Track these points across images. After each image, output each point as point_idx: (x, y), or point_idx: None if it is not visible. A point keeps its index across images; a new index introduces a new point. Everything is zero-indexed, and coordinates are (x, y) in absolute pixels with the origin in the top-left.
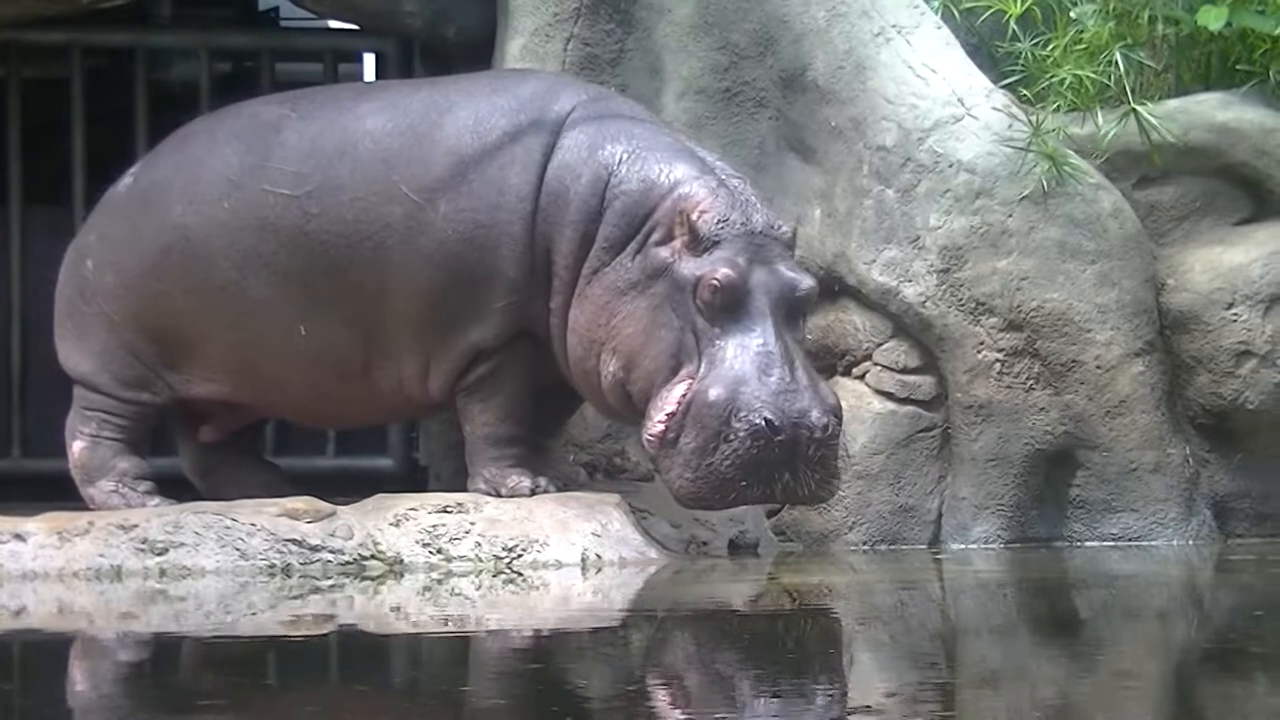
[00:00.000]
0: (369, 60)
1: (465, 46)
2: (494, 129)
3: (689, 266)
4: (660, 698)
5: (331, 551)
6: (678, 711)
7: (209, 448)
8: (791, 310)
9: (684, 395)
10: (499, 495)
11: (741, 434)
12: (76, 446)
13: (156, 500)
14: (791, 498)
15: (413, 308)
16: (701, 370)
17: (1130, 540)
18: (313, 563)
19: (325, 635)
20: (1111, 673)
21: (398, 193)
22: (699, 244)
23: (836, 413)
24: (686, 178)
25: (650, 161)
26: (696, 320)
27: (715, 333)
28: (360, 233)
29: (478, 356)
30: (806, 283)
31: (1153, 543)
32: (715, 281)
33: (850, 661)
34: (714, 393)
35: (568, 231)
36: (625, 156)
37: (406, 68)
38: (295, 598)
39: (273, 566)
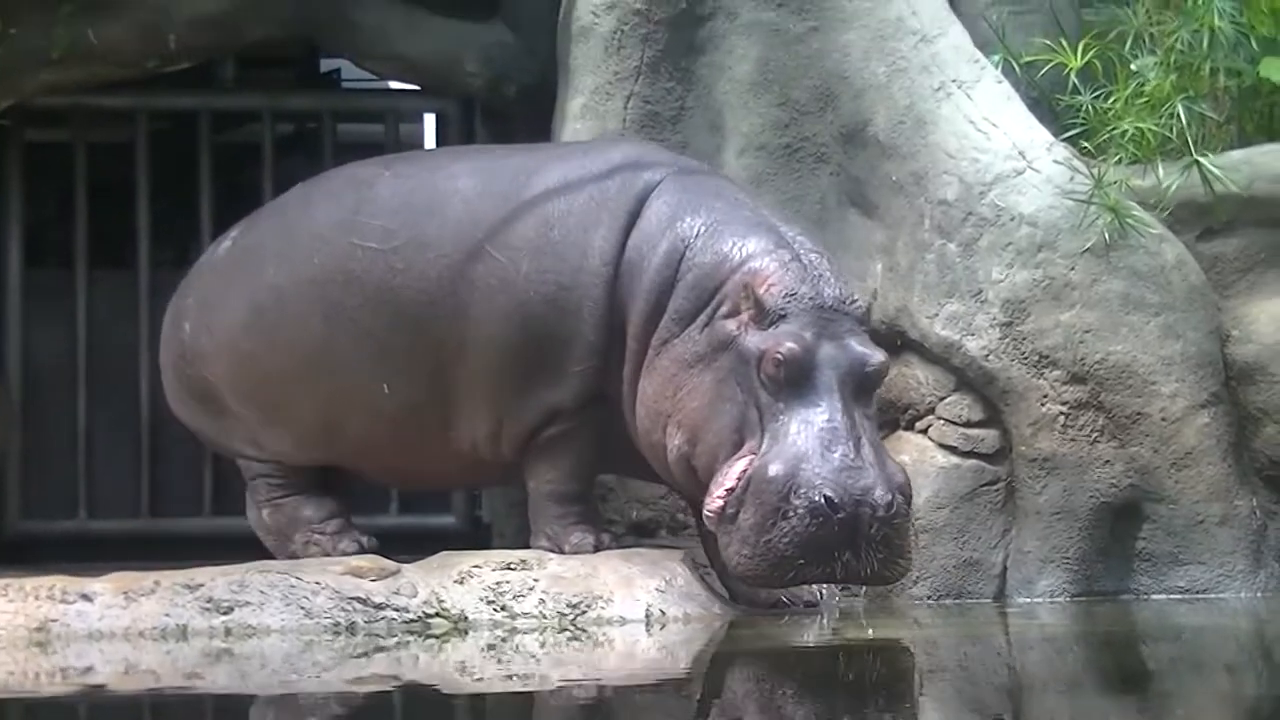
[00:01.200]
0: (429, 120)
1: (526, 105)
2: (581, 192)
3: (754, 340)
4: None
5: (396, 609)
6: None
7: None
8: (860, 386)
9: (744, 471)
10: (562, 552)
11: (800, 511)
12: (264, 515)
13: (347, 539)
14: (854, 577)
15: (491, 365)
16: (764, 446)
17: (1197, 593)
18: (377, 621)
19: (390, 693)
20: None
21: (482, 251)
22: (765, 317)
23: (904, 491)
24: (758, 252)
25: (725, 235)
26: (760, 394)
27: (779, 408)
28: (444, 289)
29: (554, 417)
30: (877, 358)
31: (1220, 595)
32: (779, 355)
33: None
34: (774, 469)
35: (640, 302)
36: (703, 229)
37: (467, 127)
38: (360, 656)
39: (338, 625)
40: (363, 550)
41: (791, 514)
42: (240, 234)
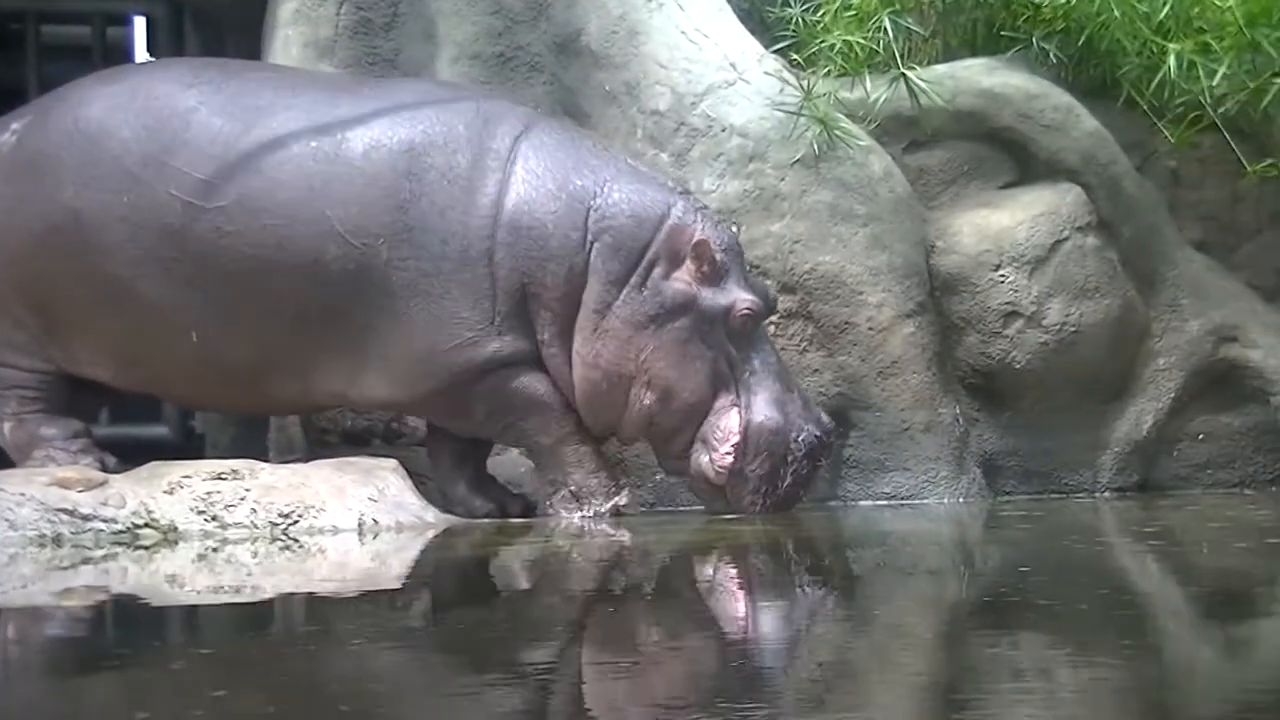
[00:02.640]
0: (139, 24)
1: (237, 9)
2: (431, 167)
3: (713, 297)
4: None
5: (104, 520)
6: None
7: None
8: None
9: (740, 425)
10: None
11: (801, 455)
12: (6, 429)
13: (89, 459)
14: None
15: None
16: (745, 398)
17: (903, 499)
18: (84, 532)
19: (97, 606)
20: (887, 627)
21: (331, 230)
22: (716, 275)
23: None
24: (679, 209)
25: (627, 192)
26: (728, 348)
27: (742, 358)
28: (283, 256)
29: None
30: (773, 293)
31: (924, 501)
32: (748, 310)
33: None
34: (769, 418)
35: (552, 266)
36: (597, 189)
37: (177, 32)
38: (67, 568)
39: (43, 537)
40: (105, 469)
41: (793, 459)
42: (25, 133)
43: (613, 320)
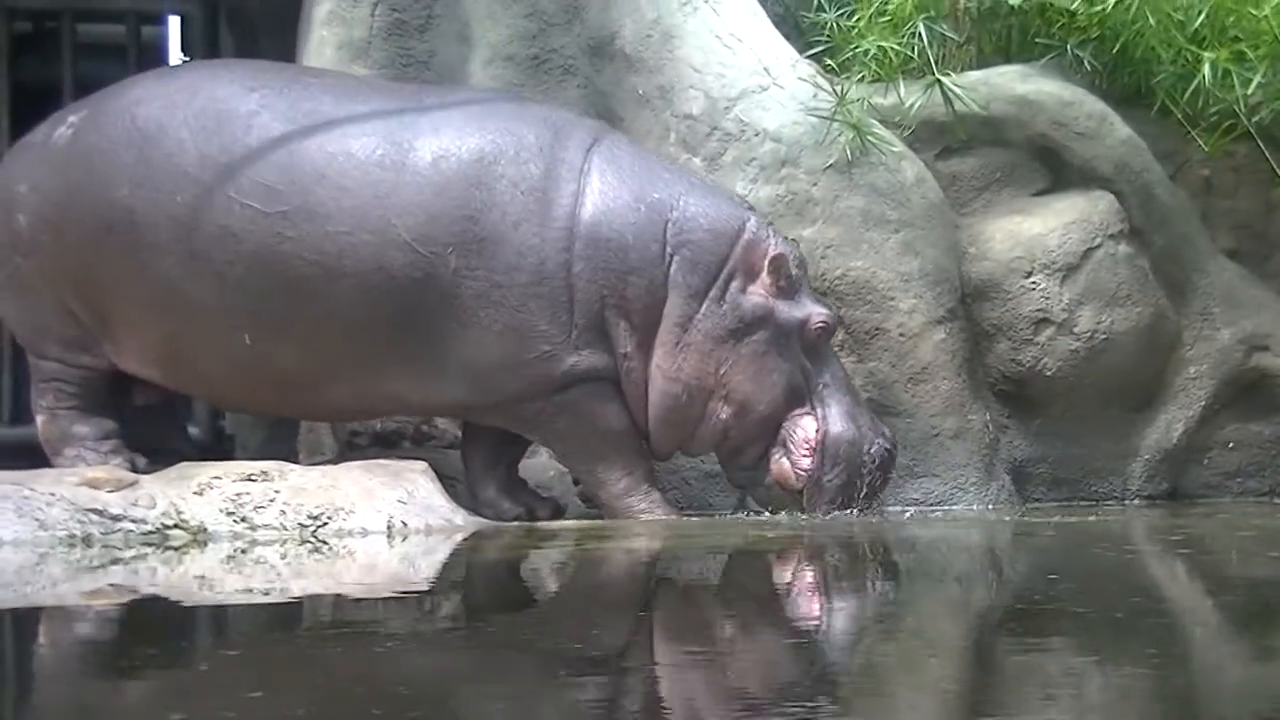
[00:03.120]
0: (173, 23)
1: (272, 9)
2: (500, 178)
3: (789, 311)
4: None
5: (134, 521)
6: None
7: (139, 413)
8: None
9: (816, 434)
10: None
11: (873, 465)
12: (40, 421)
13: (119, 459)
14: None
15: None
16: (820, 410)
17: (932, 505)
18: (114, 532)
19: (126, 606)
20: (912, 633)
21: (398, 239)
22: (791, 289)
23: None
24: (751, 223)
25: (702, 207)
26: (803, 360)
27: (815, 370)
28: (345, 264)
29: (522, 400)
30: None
31: (953, 507)
32: (822, 324)
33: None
34: (845, 430)
35: (633, 278)
36: (673, 203)
37: (212, 31)
38: (97, 568)
39: (73, 537)
40: (135, 470)
41: (865, 469)
42: (81, 127)
43: (694, 334)
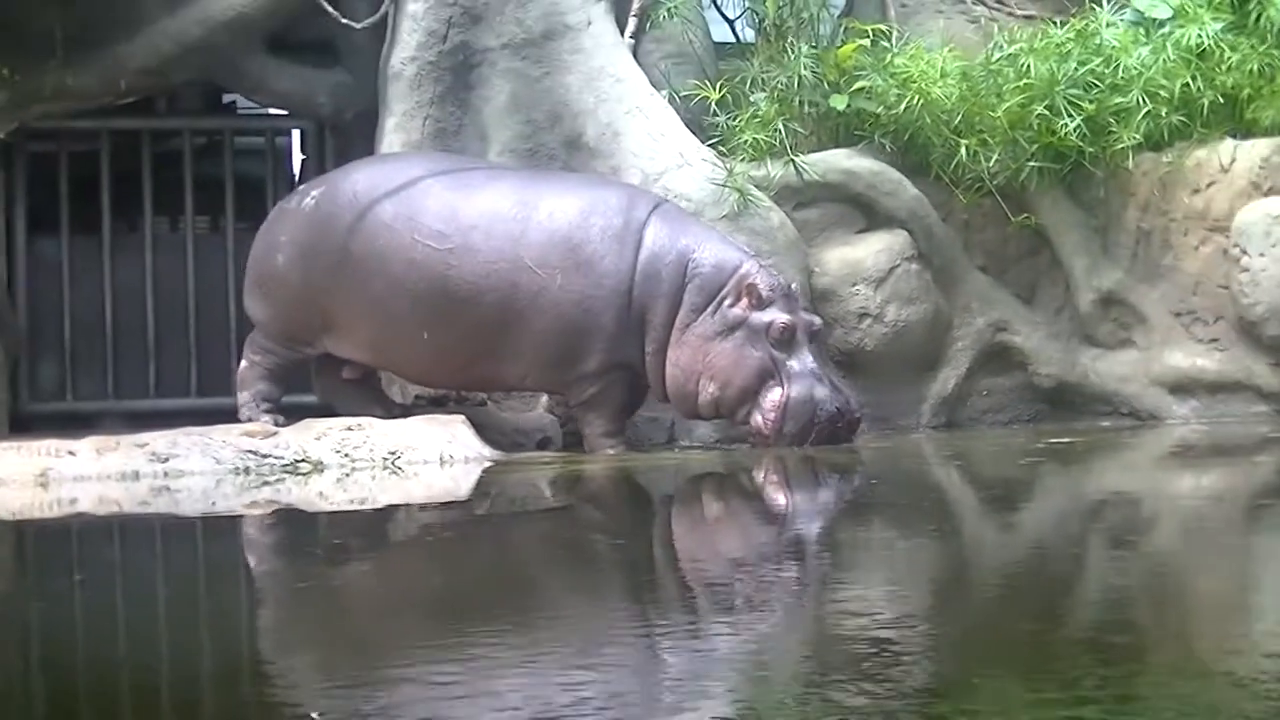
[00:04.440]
0: (295, 135)
1: (360, 124)
2: (593, 225)
3: (759, 317)
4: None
5: (276, 457)
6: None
7: (346, 383)
8: (812, 338)
9: (780, 399)
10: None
11: (823, 421)
12: (242, 365)
13: (268, 418)
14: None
15: (536, 347)
16: (785, 384)
17: None
18: (264, 465)
19: (274, 512)
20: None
21: (525, 266)
22: (762, 304)
23: (856, 400)
24: (744, 261)
25: (713, 249)
26: (772, 351)
27: (783, 358)
28: (490, 285)
29: (585, 380)
30: (818, 321)
31: None
32: (782, 324)
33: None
34: (800, 395)
35: (662, 300)
36: (695, 246)
37: (320, 139)
38: (254, 489)
39: (237, 468)
40: (277, 425)
41: (816, 424)
42: (321, 197)
43: (690, 335)
